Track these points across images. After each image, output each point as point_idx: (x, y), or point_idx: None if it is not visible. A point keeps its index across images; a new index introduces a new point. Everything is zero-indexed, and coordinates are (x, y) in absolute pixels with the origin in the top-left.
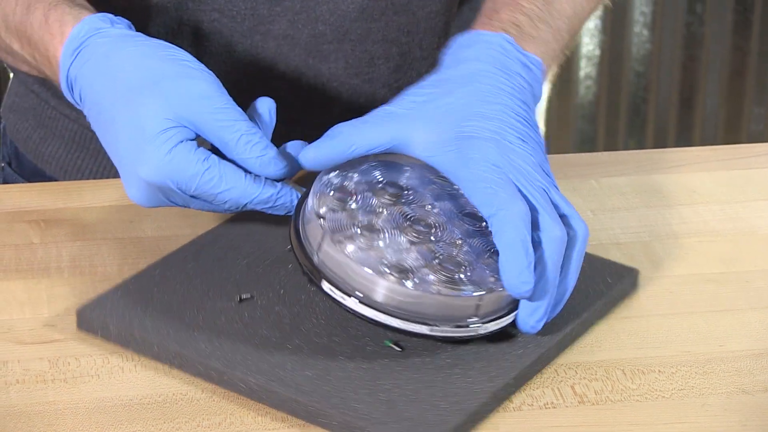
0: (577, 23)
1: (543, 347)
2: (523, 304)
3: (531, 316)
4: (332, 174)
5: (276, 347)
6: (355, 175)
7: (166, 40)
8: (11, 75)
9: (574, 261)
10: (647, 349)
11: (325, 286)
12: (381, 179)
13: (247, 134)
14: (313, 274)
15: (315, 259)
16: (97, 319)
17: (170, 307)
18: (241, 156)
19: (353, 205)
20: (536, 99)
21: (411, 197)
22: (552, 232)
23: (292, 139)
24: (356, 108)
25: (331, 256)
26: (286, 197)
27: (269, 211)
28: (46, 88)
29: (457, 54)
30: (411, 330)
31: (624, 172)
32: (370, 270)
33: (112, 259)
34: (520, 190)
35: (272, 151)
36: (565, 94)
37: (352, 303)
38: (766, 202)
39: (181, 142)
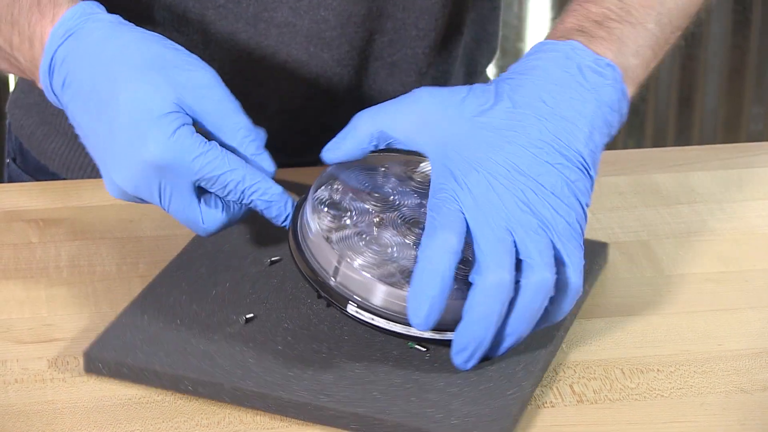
0: (673, 13)
1: (544, 347)
2: (454, 337)
3: (458, 354)
4: (321, 189)
5: (303, 362)
6: (340, 187)
7: (171, 25)
8: None
9: (521, 310)
10: (646, 349)
11: (351, 309)
12: (366, 184)
13: (246, 129)
14: (334, 298)
15: (332, 282)
16: (107, 361)
17: (179, 334)
18: (238, 148)
19: (348, 220)
20: (603, 103)
21: (397, 200)
22: (486, 277)
23: (294, 129)
24: (356, 94)
25: (352, 278)
26: (282, 197)
27: (265, 211)
28: None
29: (517, 67)
30: (444, 339)
31: (623, 171)
32: (394, 287)
33: (110, 259)
34: (470, 227)
35: (266, 151)
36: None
37: (382, 323)
38: (765, 202)
39: (183, 125)
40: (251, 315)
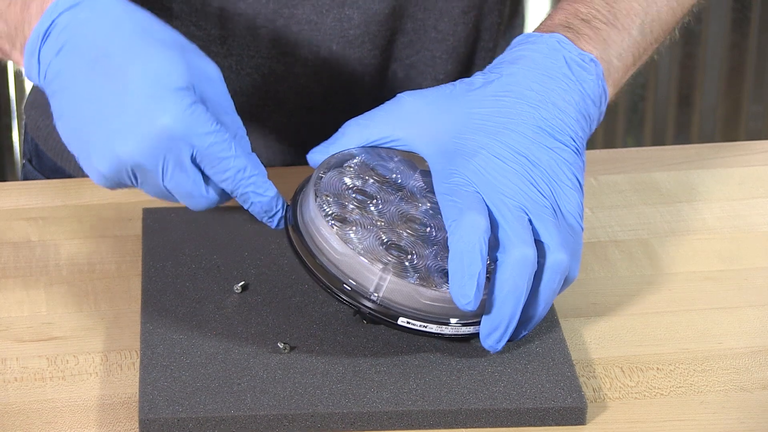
0: (656, 24)
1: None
2: (482, 321)
3: (489, 336)
4: (320, 204)
5: (357, 375)
6: (332, 198)
7: (189, 19)
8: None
9: (541, 290)
10: (645, 347)
11: (402, 321)
12: (350, 185)
13: (242, 128)
14: (380, 313)
15: (375, 298)
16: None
17: (222, 373)
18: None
19: (353, 235)
20: (590, 97)
21: (380, 202)
22: (511, 253)
23: (311, 127)
24: (375, 94)
25: (398, 290)
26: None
27: (256, 206)
28: None
29: (503, 57)
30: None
31: (622, 169)
32: (436, 289)
33: (110, 258)
34: (488, 207)
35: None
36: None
37: (433, 328)
38: (765, 200)
39: (198, 102)
40: (284, 344)
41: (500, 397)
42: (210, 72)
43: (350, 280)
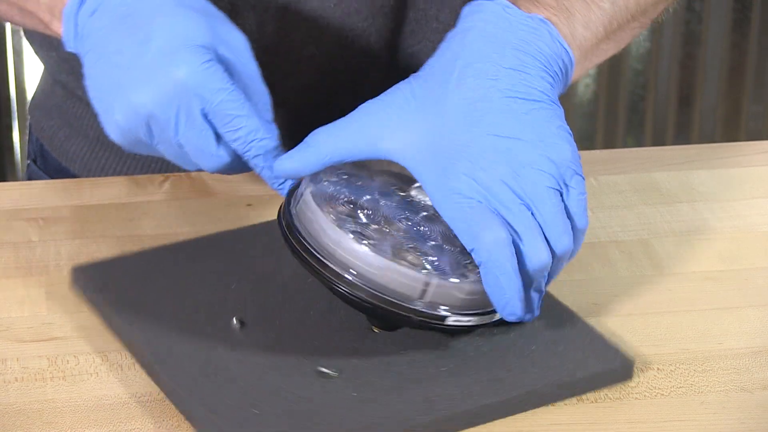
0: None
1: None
2: (495, 305)
3: (504, 310)
4: (337, 218)
5: (415, 382)
6: (332, 211)
7: None
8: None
9: (551, 276)
10: (646, 347)
11: (450, 321)
12: (339, 195)
13: (266, 95)
14: (428, 318)
15: (418, 305)
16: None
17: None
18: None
19: (375, 233)
20: (547, 56)
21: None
22: (531, 263)
23: (318, 121)
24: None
25: (442, 292)
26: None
27: (264, 170)
28: (74, 76)
29: (452, 32)
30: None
31: (623, 170)
32: (473, 283)
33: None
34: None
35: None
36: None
37: (475, 320)
38: (765, 200)
39: (215, 61)
40: (325, 369)
41: (552, 375)
42: (235, 40)
43: (392, 293)
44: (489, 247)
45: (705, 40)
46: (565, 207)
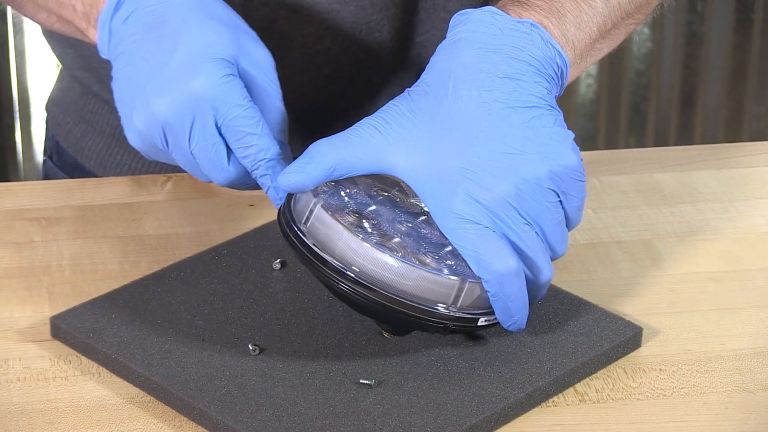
0: None
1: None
2: (500, 320)
3: (510, 327)
4: (358, 229)
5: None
6: (339, 222)
7: None
8: (59, 68)
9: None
10: (648, 348)
11: (482, 321)
12: (347, 205)
13: (282, 114)
14: (462, 322)
15: (453, 311)
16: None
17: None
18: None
19: (397, 238)
20: (540, 60)
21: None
22: (540, 279)
23: (333, 115)
24: (392, 78)
25: (478, 295)
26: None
27: (270, 191)
28: (90, 73)
29: (444, 42)
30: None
31: (625, 170)
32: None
33: (113, 258)
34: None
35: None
36: (566, 92)
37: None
38: (767, 201)
39: (235, 75)
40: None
41: (566, 358)
42: (260, 57)
43: (425, 300)
44: (500, 278)
45: (707, 41)
46: (564, 212)
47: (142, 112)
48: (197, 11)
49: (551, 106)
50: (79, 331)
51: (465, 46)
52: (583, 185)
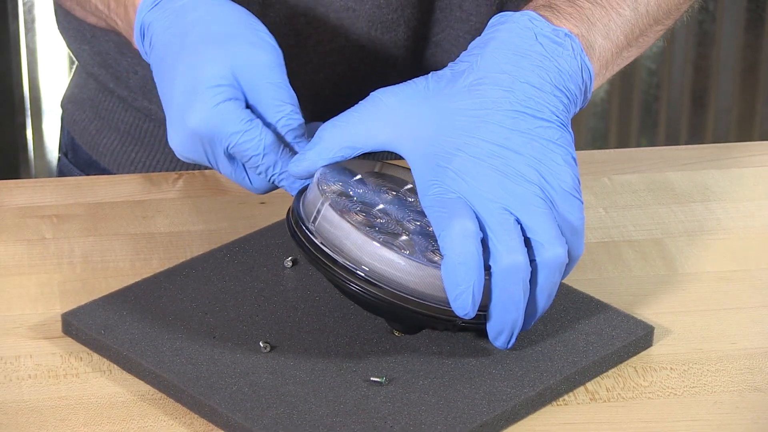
0: (652, 2)
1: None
2: (487, 326)
3: (497, 339)
4: (367, 229)
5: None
6: (340, 214)
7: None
8: (75, 65)
9: (540, 287)
10: (659, 347)
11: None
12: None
13: (289, 117)
14: (474, 319)
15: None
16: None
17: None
18: (279, 132)
19: (405, 236)
20: (567, 73)
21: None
22: (500, 262)
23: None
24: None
25: (486, 290)
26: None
27: (291, 191)
28: (105, 69)
29: (476, 40)
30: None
31: (636, 169)
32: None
33: (124, 255)
34: (475, 212)
35: (304, 140)
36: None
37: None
38: None
39: (230, 99)
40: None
41: (577, 357)
42: (260, 60)
43: (434, 299)
44: (454, 235)
45: (719, 40)
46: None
47: (170, 142)
48: (191, 37)
49: (562, 124)
50: (90, 328)
51: (496, 46)
52: (580, 204)
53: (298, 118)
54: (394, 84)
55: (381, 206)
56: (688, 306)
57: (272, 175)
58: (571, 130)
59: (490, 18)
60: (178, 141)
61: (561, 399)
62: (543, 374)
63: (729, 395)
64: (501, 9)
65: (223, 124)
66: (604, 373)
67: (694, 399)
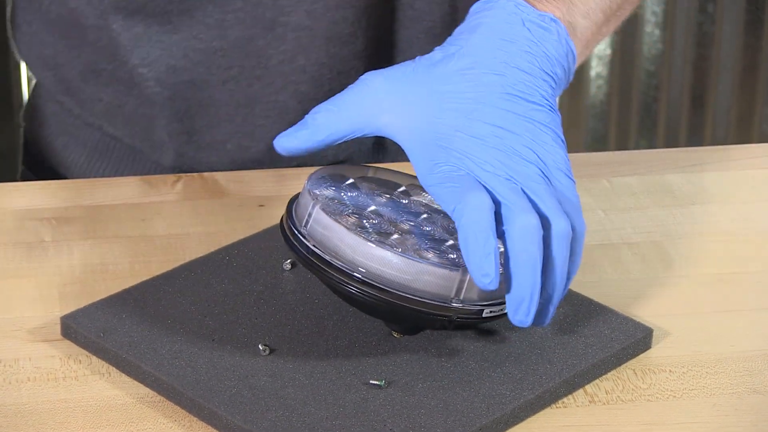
0: None
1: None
2: (507, 299)
3: (517, 311)
4: (358, 228)
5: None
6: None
7: (190, 32)
8: (33, 81)
9: (554, 260)
10: (658, 349)
11: (486, 312)
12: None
13: None
14: (465, 314)
15: (456, 304)
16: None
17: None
18: None
19: (397, 235)
20: (554, 58)
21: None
22: (515, 222)
23: None
24: None
25: (472, 286)
26: None
27: None
28: (70, 96)
29: (461, 26)
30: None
31: (635, 171)
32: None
33: (123, 258)
34: (484, 186)
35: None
36: (577, 93)
37: (497, 310)
38: None
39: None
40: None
41: (576, 359)
42: None
43: (428, 296)
44: (470, 206)
45: (718, 42)
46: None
47: None
48: None
49: (552, 108)
50: (89, 330)
51: (485, 31)
52: (572, 183)
53: None
54: (318, 105)
55: (373, 208)
56: (687, 308)
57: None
58: (558, 113)
59: (444, 16)
60: None
61: (560, 401)
62: (542, 377)
63: (728, 397)
64: (454, 6)
65: None
66: (604, 376)
67: (693, 401)
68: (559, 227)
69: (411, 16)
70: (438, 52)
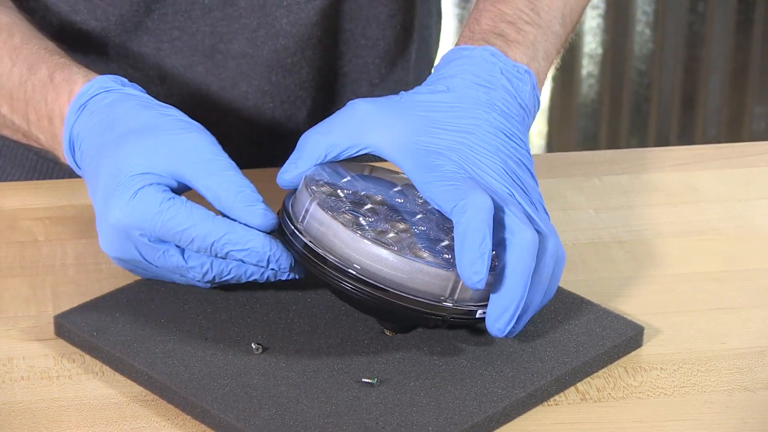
0: (574, 13)
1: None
2: (492, 301)
3: (499, 318)
4: (354, 226)
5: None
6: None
7: (126, 62)
8: None
9: (543, 270)
10: (649, 347)
11: (479, 313)
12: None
13: (236, 184)
14: (458, 313)
15: (449, 304)
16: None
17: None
18: (230, 204)
19: (393, 234)
20: (527, 108)
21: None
22: (521, 234)
23: (262, 159)
24: (319, 114)
25: (465, 287)
26: (282, 257)
27: (246, 261)
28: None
29: (440, 71)
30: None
31: (626, 170)
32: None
33: None
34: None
35: (261, 203)
36: (568, 92)
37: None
38: None
39: (150, 185)
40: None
41: (568, 357)
42: (188, 142)
43: (421, 293)
44: (473, 205)
45: (708, 42)
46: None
47: (99, 239)
48: (113, 134)
49: (527, 151)
50: (82, 329)
51: (467, 78)
52: (548, 218)
53: (246, 183)
54: (307, 120)
55: (370, 206)
56: (678, 306)
57: (213, 243)
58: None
59: (398, 39)
60: (107, 242)
61: (552, 399)
62: (534, 375)
63: (719, 395)
64: (407, 29)
65: (143, 211)
66: (595, 374)
67: (684, 399)
68: (554, 246)
69: (364, 45)
70: (425, 87)
